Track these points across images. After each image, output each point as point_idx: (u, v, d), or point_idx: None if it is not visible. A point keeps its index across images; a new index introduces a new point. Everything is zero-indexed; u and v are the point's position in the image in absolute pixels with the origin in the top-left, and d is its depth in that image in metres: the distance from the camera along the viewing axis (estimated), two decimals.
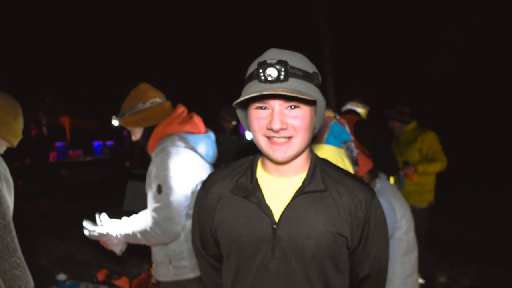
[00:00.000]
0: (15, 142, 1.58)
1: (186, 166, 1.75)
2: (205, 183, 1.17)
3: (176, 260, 1.80)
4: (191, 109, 2.00)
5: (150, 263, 2.70)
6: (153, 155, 1.82)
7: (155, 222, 1.69)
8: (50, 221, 6.00)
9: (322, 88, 1.06)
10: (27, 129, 9.24)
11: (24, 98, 2.36)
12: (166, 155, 1.73)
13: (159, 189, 1.71)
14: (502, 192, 7.04)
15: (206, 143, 1.94)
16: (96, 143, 10.65)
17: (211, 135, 2.01)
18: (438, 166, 3.36)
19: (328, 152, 1.79)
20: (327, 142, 1.81)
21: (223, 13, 11.91)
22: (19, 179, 8.08)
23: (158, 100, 1.91)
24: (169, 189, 1.69)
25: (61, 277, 2.29)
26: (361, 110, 3.44)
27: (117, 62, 13.44)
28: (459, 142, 10.95)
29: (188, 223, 1.77)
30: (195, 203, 1.20)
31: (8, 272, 0.99)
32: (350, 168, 1.91)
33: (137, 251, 4.63)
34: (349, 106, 3.36)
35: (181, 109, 1.95)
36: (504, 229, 5.28)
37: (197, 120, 1.94)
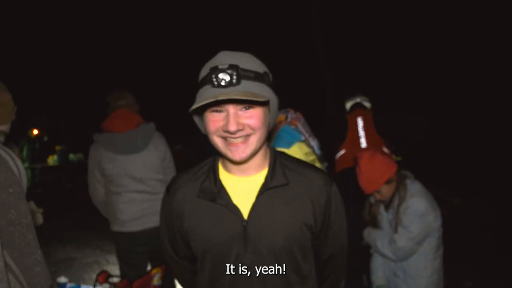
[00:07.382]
0: (6, 120, 1.52)
1: (94, 157, 2.67)
2: (169, 189, 1.18)
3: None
4: None
5: (151, 266, 2.72)
6: None
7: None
8: (51, 224, 6.00)
9: (273, 86, 1.07)
10: (28, 132, 9.28)
11: (23, 103, 2.42)
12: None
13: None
14: (504, 191, 7.02)
15: (121, 138, 2.54)
16: None
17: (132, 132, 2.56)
18: None
19: (295, 151, 2.01)
20: (275, 146, 1.88)
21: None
22: None
23: (122, 103, 2.59)
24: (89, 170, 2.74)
25: (62, 279, 2.30)
26: (367, 104, 3.52)
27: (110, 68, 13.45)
28: (462, 141, 10.96)
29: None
30: (161, 209, 1.21)
31: (29, 269, 1.03)
32: (317, 164, 2.04)
33: None
34: (359, 99, 3.48)
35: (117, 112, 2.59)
36: (504, 229, 5.28)
37: (118, 122, 2.55)
